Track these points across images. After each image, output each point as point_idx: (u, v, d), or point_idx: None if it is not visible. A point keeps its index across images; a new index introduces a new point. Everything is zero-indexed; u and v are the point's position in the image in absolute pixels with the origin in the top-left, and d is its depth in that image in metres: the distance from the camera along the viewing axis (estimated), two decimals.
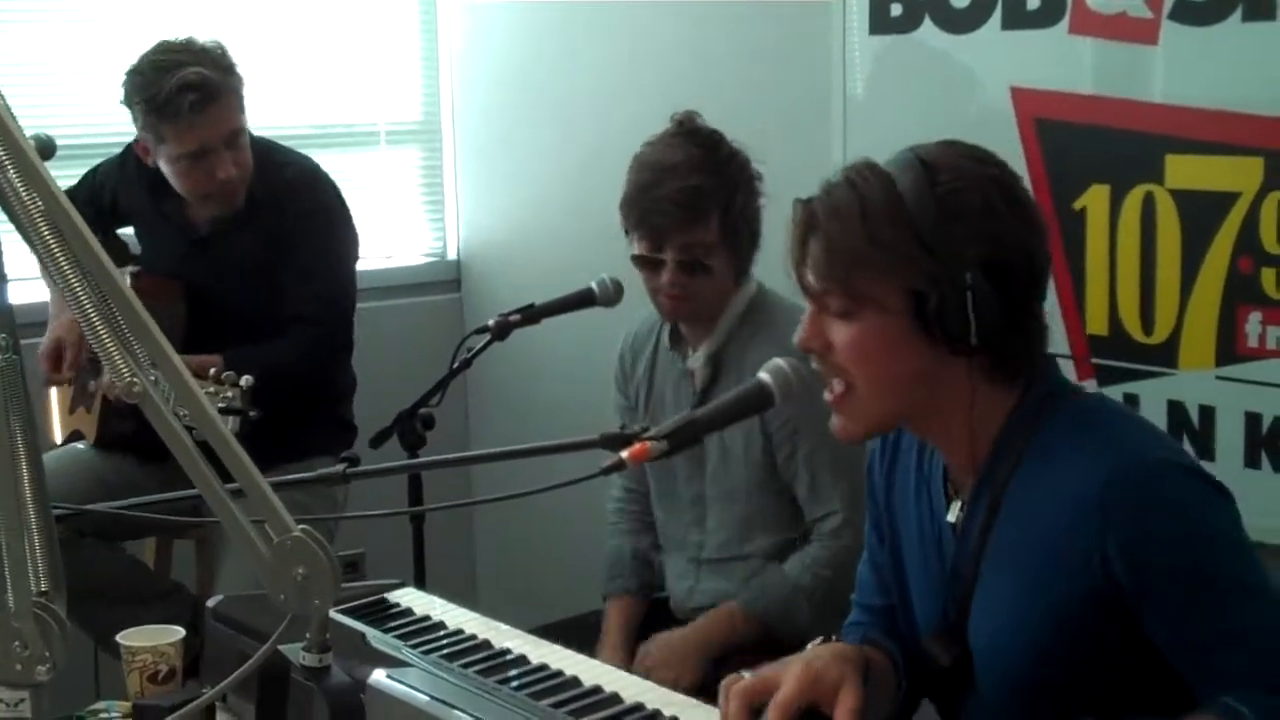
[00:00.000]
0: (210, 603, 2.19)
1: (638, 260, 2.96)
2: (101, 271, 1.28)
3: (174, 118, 3.32)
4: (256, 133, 3.58)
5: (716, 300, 2.98)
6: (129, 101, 3.39)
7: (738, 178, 2.96)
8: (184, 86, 3.29)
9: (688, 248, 2.90)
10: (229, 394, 2.80)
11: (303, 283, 3.48)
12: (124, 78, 3.39)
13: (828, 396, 1.92)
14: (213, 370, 2.83)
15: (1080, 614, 1.81)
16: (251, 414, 2.79)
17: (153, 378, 1.28)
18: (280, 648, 1.29)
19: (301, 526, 1.27)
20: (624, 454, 1.84)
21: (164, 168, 3.43)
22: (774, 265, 3.04)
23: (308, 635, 1.27)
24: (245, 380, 2.79)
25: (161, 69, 3.33)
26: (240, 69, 3.46)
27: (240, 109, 3.44)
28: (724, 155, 2.96)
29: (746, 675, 1.84)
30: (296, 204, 3.53)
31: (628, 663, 2.98)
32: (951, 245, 1.80)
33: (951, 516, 1.96)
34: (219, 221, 3.51)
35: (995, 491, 1.89)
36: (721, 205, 2.91)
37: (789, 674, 1.81)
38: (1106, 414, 1.92)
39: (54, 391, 3.66)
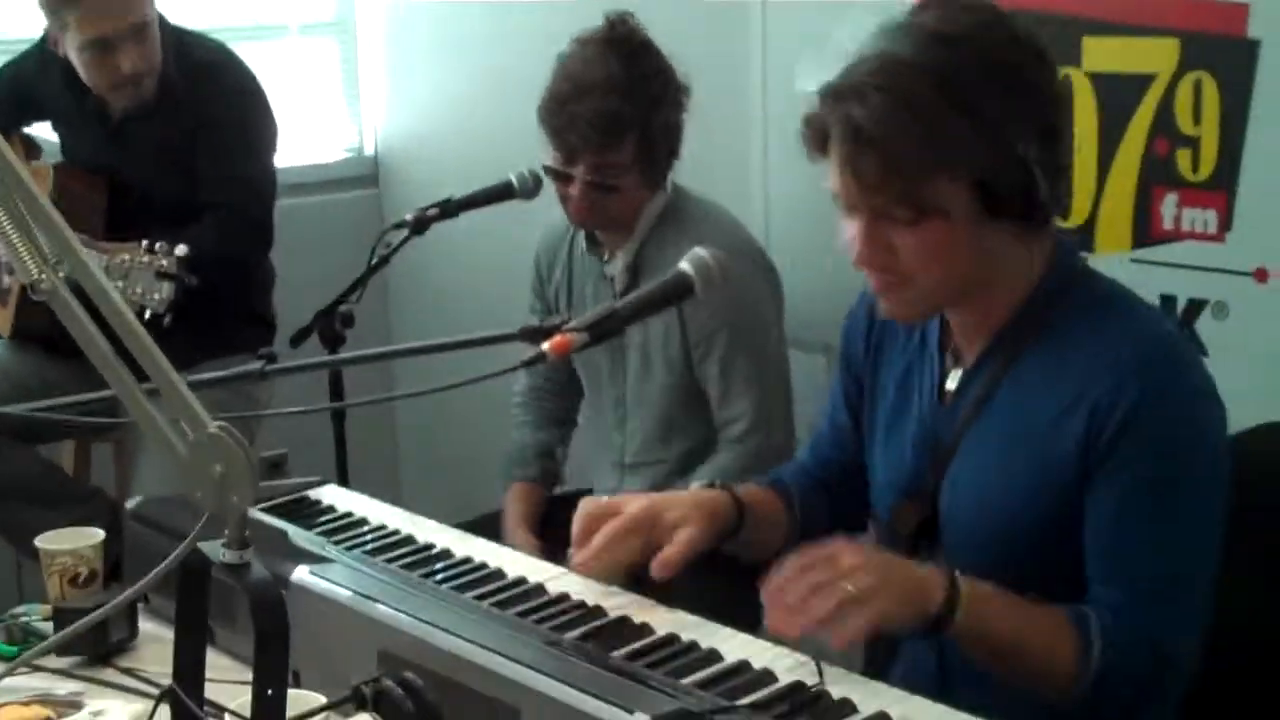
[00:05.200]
0: (129, 504, 2.17)
1: (548, 170, 2.94)
2: (5, 166, 1.25)
3: (74, 2, 3.26)
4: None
5: (625, 212, 2.96)
6: None
7: (659, 96, 2.91)
8: None
9: (598, 169, 2.87)
10: (163, 262, 2.77)
11: (219, 167, 3.45)
12: None
13: (872, 284, 1.88)
14: (144, 242, 2.80)
15: (1057, 486, 1.83)
16: (189, 280, 2.77)
17: (61, 274, 1.25)
18: (200, 546, 1.28)
19: (218, 423, 1.25)
20: (545, 346, 1.83)
21: (72, 58, 3.38)
22: (692, 161, 3.05)
23: (227, 532, 1.26)
24: (180, 249, 2.77)
25: None
26: None
27: (147, 2, 3.38)
28: (648, 72, 2.91)
29: (603, 499, 1.96)
30: (211, 87, 3.50)
31: (532, 545, 2.99)
32: (1005, 121, 1.75)
33: (952, 383, 1.96)
34: (135, 108, 3.47)
35: (1004, 360, 1.89)
36: (639, 127, 2.87)
37: (630, 506, 1.91)
38: (1135, 301, 1.92)
39: None
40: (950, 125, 1.74)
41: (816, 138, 1.84)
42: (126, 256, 2.79)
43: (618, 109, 2.84)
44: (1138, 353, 1.81)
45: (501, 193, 3.20)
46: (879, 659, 2.06)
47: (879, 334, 2.09)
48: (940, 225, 1.79)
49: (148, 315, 2.78)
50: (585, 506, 1.95)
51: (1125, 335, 1.83)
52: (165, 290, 2.74)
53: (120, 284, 2.77)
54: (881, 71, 1.76)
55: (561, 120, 2.86)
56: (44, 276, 1.23)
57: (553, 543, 2.86)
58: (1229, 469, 1.86)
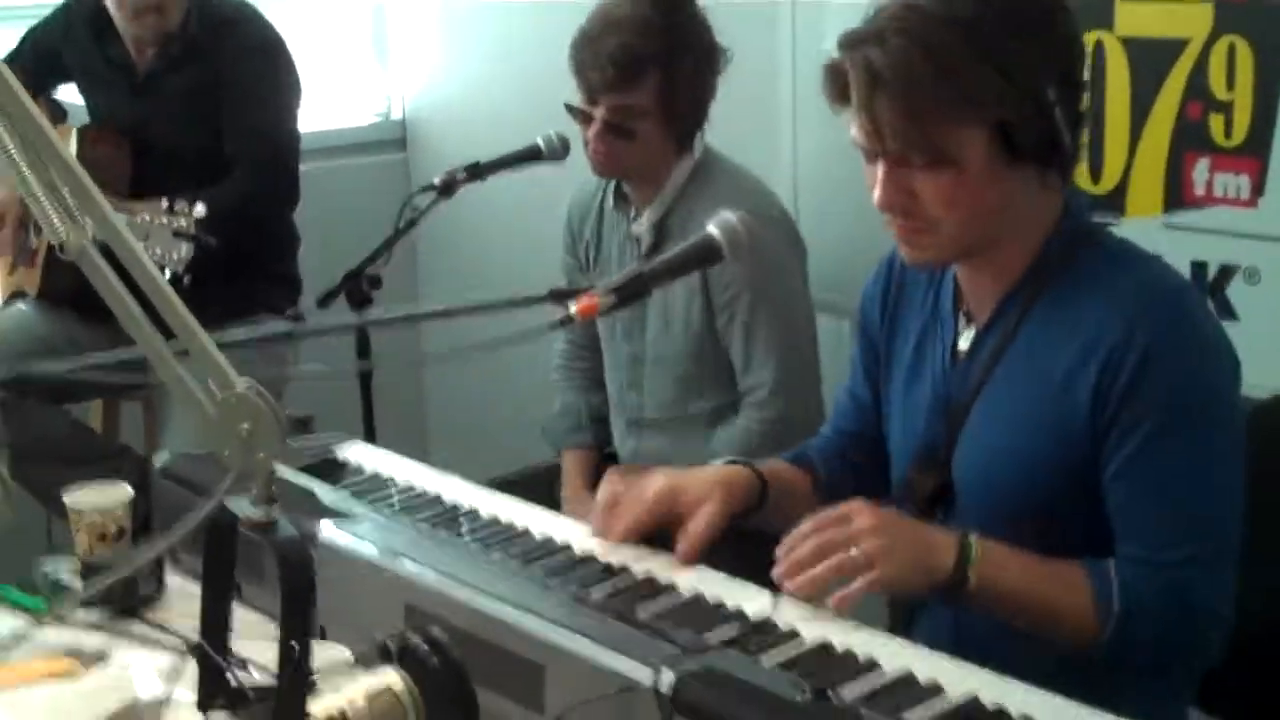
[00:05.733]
0: (158, 461, 2.18)
1: (570, 109, 2.94)
2: (35, 128, 1.25)
3: None
4: None
5: (647, 164, 2.95)
6: None
7: (688, 44, 2.91)
8: None
9: (617, 110, 2.87)
10: (181, 222, 2.77)
11: (241, 121, 3.46)
12: None
13: (895, 230, 1.88)
14: (164, 203, 2.81)
15: (1072, 441, 1.83)
16: (207, 240, 2.77)
17: (92, 235, 1.25)
18: (226, 502, 1.28)
19: (246, 381, 1.26)
20: (572, 308, 1.83)
21: None
22: (720, 131, 3.04)
23: (254, 489, 1.26)
24: (199, 208, 2.77)
25: None
26: None
27: None
28: (679, 19, 2.91)
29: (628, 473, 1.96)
30: (234, 40, 3.50)
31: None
32: (1026, 65, 1.76)
33: (965, 343, 1.97)
34: (159, 60, 3.49)
35: (1016, 318, 1.90)
36: (662, 70, 2.87)
37: (651, 484, 1.91)
38: (1145, 255, 1.92)
39: None
40: (971, 70, 1.75)
41: (837, 85, 1.85)
42: (146, 216, 2.80)
43: (640, 47, 2.84)
44: (1148, 303, 1.81)
45: (529, 156, 3.20)
46: (900, 621, 2.06)
47: (895, 302, 2.10)
48: (961, 170, 1.79)
49: (167, 274, 2.79)
50: (610, 479, 1.96)
51: (1135, 287, 1.84)
52: (184, 251, 2.74)
53: (141, 244, 2.78)
54: (902, 17, 1.78)
55: (586, 56, 2.88)
56: (72, 236, 1.24)
57: None
58: (1244, 422, 1.86)
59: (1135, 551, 1.81)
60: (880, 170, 1.84)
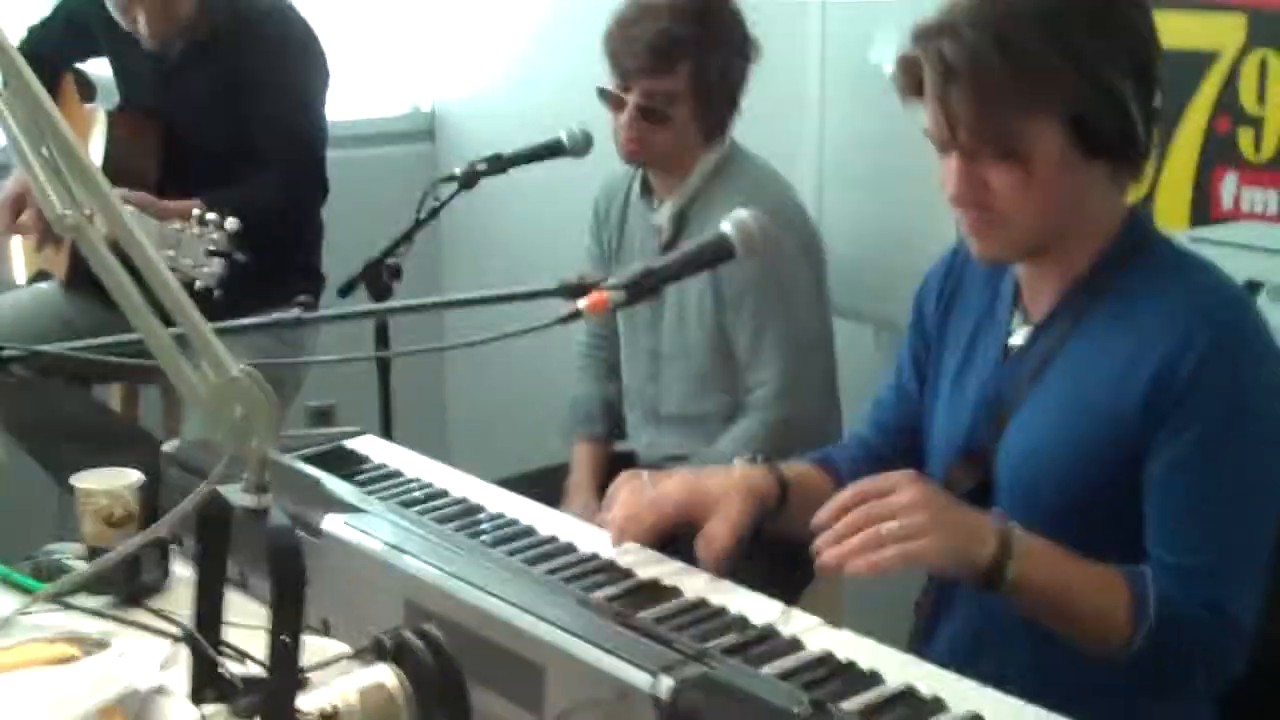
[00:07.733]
0: (166, 447, 2.17)
1: (603, 94, 2.95)
2: (35, 104, 1.24)
3: None
4: None
5: (676, 153, 2.96)
6: None
7: (722, 33, 2.94)
8: None
9: (651, 94, 2.89)
10: (214, 236, 2.76)
11: (275, 119, 3.43)
12: None
13: (966, 224, 1.87)
14: (195, 212, 2.79)
15: (1119, 445, 1.80)
16: (237, 256, 2.76)
17: (88, 212, 1.24)
18: (221, 490, 1.27)
19: (242, 366, 1.24)
20: (581, 304, 1.81)
21: None
22: (747, 124, 3.02)
23: (245, 476, 1.25)
24: (230, 223, 2.76)
25: None
26: None
27: None
28: (713, 7, 2.93)
29: (645, 475, 1.92)
30: (265, 34, 3.46)
31: (593, 510, 2.98)
32: (1102, 58, 1.76)
33: (1019, 339, 1.94)
34: (188, 50, 3.44)
35: (1072, 318, 1.88)
36: (696, 57, 2.89)
37: (674, 482, 1.90)
38: (1205, 262, 1.90)
39: None
40: (1045, 61, 1.74)
41: (908, 78, 1.86)
42: (178, 225, 2.78)
43: (675, 33, 2.88)
44: (1207, 307, 1.80)
45: (551, 149, 3.19)
46: (920, 632, 2.03)
47: (951, 293, 2.08)
48: (1036, 163, 1.78)
49: (197, 286, 2.77)
50: (625, 486, 1.91)
51: (1192, 294, 1.82)
52: (215, 265, 2.73)
53: (171, 253, 2.76)
54: (975, 9, 1.77)
55: (620, 42, 2.92)
56: (68, 213, 1.22)
57: None
58: None
59: (1171, 558, 1.78)
60: (953, 163, 1.83)
